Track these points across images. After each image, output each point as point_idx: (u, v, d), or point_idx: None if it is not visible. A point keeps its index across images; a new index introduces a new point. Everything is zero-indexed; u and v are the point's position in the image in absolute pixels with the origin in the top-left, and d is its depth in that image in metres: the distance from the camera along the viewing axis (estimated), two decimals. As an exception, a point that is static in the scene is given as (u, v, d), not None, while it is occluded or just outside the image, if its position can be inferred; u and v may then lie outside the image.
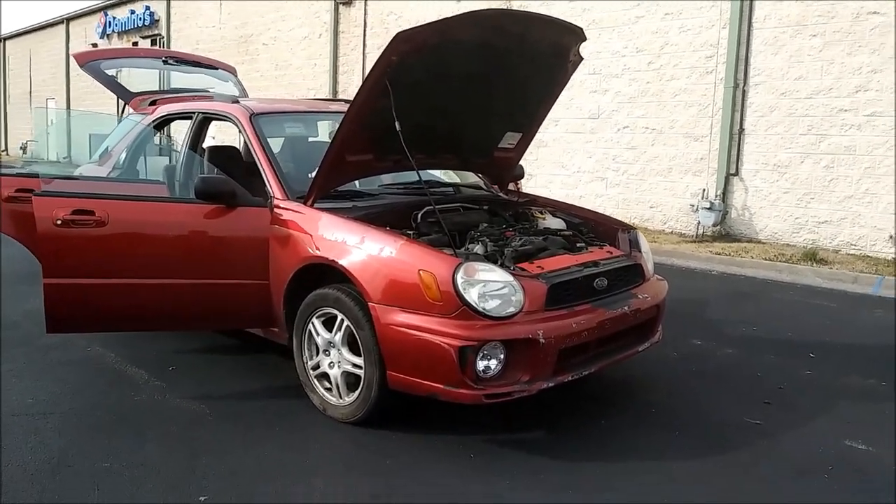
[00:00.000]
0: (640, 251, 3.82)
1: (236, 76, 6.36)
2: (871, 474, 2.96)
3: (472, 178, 4.73)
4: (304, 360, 3.54)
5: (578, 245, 3.68)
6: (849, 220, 8.11)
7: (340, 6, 14.01)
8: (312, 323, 3.46)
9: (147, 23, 19.87)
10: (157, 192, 4.25)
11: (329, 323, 3.41)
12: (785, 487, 2.84)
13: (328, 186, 3.61)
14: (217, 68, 6.19)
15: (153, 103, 5.05)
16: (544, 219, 4.13)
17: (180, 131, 4.85)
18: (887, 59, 7.64)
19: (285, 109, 4.47)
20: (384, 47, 3.18)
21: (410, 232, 3.50)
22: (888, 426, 3.43)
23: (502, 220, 4.04)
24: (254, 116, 4.05)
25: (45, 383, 3.80)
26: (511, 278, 3.04)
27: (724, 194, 9.03)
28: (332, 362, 3.41)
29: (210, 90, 5.75)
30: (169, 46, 18.39)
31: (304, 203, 3.56)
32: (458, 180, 4.73)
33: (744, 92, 8.83)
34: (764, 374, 4.17)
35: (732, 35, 8.79)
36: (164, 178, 4.45)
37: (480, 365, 2.95)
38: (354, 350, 3.30)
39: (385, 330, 3.07)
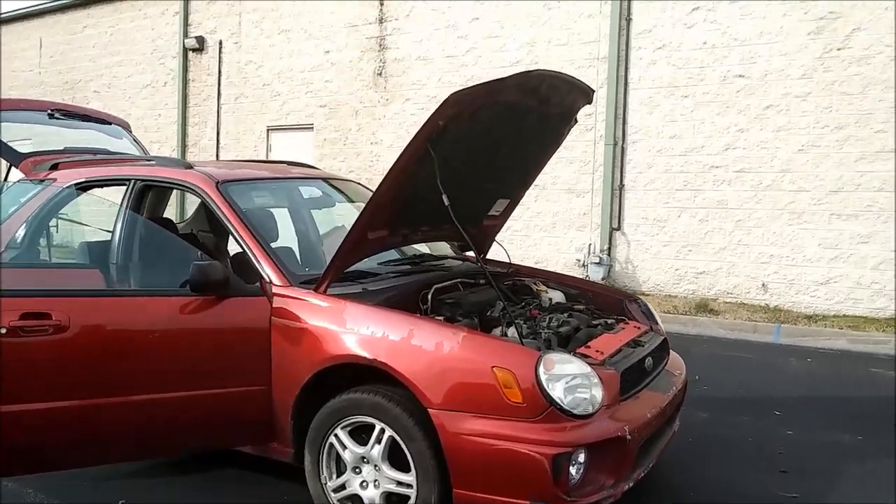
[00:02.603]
0: (657, 322, 3.68)
1: (130, 132, 5.51)
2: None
3: (444, 247, 4.37)
4: (324, 481, 2.96)
5: (608, 322, 3.46)
6: (724, 270, 8.68)
7: (190, 53, 13.03)
8: (336, 435, 2.90)
9: (-60, 63, 17.28)
10: (89, 279, 3.45)
11: (359, 433, 2.88)
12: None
13: (344, 269, 3.10)
14: (109, 123, 5.30)
15: (55, 167, 4.16)
16: (546, 292, 3.88)
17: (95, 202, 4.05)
18: (752, 118, 8.37)
19: (251, 176, 3.85)
20: (434, 110, 2.80)
21: (464, 319, 3.09)
22: (904, 485, 3.52)
23: (506, 296, 3.73)
24: (221, 185, 3.43)
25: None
26: (588, 369, 2.73)
27: (609, 248, 9.34)
28: (365, 482, 2.87)
29: (108, 148, 4.91)
30: (-27, 90, 16.07)
31: (316, 290, 3.02)
32: (428, 251, 4.36)
33: (623, 149, 9.27)
34: (753, 438, 4.17)
35: (610, 94, 9.22)
36: (87, 260, 3.65)
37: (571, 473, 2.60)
38: (398, 465, 2.80)
39: (454, 440, 2.62)
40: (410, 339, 2.76)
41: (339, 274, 3.09)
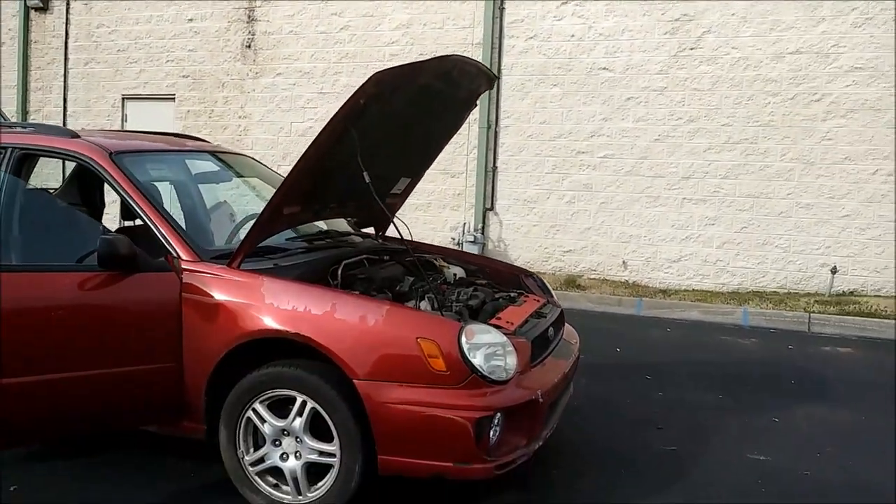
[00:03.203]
0: (552, 296, 3.92)
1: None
2: (786, 482, 3.42)
3: (343, 224, 4.38)
4: (240, 456, 2.93)
5: (511, 295, 3.64)
6: (588, 248, 9.25)
7: (33, 12, 11.91)
8: (254, 409, 2.88)
9: None
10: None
11: (277, 407, 2.88)
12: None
13: (257, 244, 3.06)
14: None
15: None
16: (448, 268, 4.00)
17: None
18: (615, 108, 8.93)
19: (146, 148, 3.65)
20: (356, 89, 2.82)
21: (377, 293, 3.14)
22: (760, 435, 3.99)
23: (420, 270, 3.81)
24: (116, 156, 3.24)
25: None
26: (504, 338, 2.88)
27: (483, 227, 9.65)
28: (285, 454, 2.88)
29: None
30: None
31: (230, 265, 2.96)
32: (325, 227, 4.35)
33: (496, 133, 9.58)
34: (631, 400, 4.56)
35: (483, 80, 9.46)
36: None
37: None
38: (319, 436, 2.83)
39: (380, 409, 2.69)
40: (334, 313, 2.78)
41: (253, 249, 3.04)
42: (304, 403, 2.80)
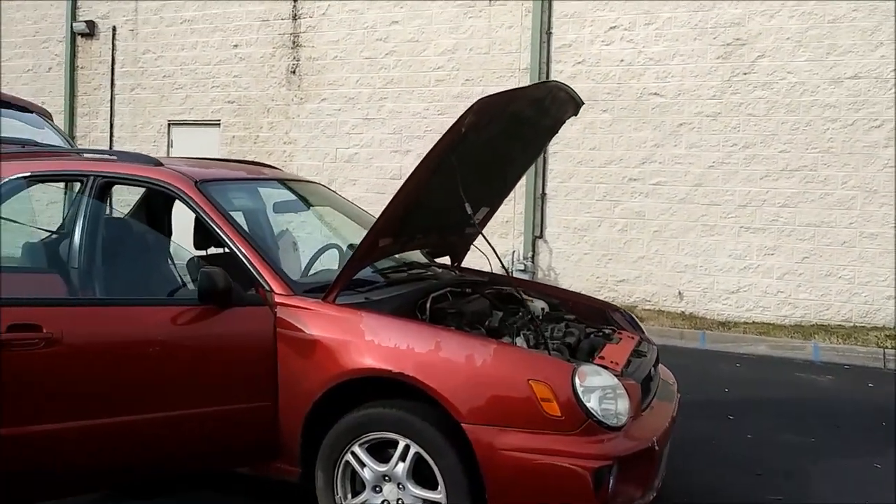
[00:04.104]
0: (643, 332, 3.74)
1: (52, 121, 5.00)
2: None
3: (418, 255, 4.25)
4: (338, 502, 2.78)
5: (605, 332, 3.47)
6: (642, 278, 9.03)
7: (79, 38, 12.08)
8: (353, 452, 2.73)
9: None
10: (50, 285, 3.07)
11: (377, 450, 2.72)
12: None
13: (352, 277, 2.93)
14: (31, 111, 4.79)
15: (-13, 158, 3.68)
16: (532, 301, 3.84)
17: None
18: (667, 134, 8.76)
19: (228, 176, 3.55)
20: (458, 118, 2.70)
21: (470, 329, 2.99)
22: (865, 483, 3.75)
23: (496, 305, 3.66)
24: (202, 185, 3.15)
25: None
26: (615, 381, 2.71)
27: (533, 256, 9.48)
28: (386, 501, 2.71)
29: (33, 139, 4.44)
30: None
31: (325, 299, 2.83)
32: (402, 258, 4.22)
33: (545, 159, 9.44)
34: (720, 442, 4.33)
35: (532, 106, 9.37)
36: (42, 264, 3.25)
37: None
38: (422, 482, 2.66)
39: (493, 455, 2.52)
40: (438, 351, 2.63)
41: (348, 282, 2.91)
42: (407, 447, 2.65)
